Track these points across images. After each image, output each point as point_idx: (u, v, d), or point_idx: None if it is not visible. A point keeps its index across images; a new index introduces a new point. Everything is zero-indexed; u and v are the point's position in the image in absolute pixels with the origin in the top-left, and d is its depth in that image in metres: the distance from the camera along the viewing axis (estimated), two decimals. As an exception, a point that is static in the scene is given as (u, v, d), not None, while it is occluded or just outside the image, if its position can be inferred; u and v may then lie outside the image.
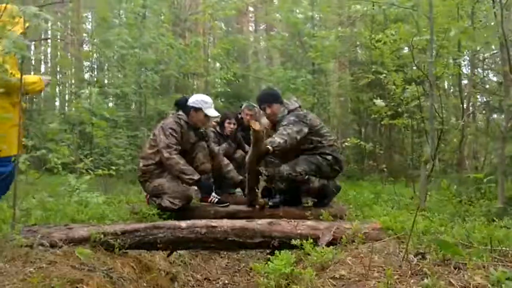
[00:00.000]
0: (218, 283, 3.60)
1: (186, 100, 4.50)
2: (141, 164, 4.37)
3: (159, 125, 4.45)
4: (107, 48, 7.46)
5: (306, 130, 4.07)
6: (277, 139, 3.86)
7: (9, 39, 2.79)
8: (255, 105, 5.44)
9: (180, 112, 4.44)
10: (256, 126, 3.49)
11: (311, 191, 4.19)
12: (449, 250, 2.05)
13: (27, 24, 3.33)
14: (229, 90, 12.38)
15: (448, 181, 5.23)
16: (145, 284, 2.82)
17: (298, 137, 3.98)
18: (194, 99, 4.44)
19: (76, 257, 2.49)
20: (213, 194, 4.44)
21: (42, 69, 15.56)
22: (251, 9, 17.36)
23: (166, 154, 4.14)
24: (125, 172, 9.28)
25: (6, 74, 3.04)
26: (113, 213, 3.91)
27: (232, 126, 5.49)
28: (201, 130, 4.59)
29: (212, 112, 4.47)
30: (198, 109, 4.39)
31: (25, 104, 3.91)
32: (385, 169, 7.94)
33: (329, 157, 4.17)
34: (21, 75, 3.09)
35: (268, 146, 3.75)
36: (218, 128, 5.54)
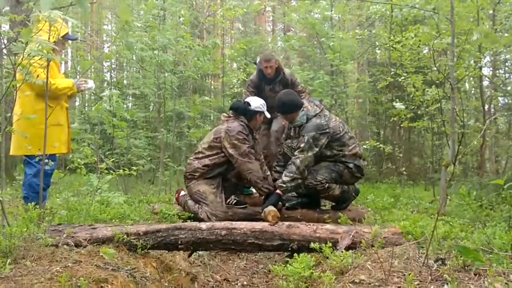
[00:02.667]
0: (237, 284, 3.63)
1: (245, 104, 4.46)
2: (195, 162, 4.36)
3: (221, 128, 4.39)
4: (128, 50, 7.56)
5: (323, 141, 4.03)
6: (286, 178, 3.95)
7: (35, 43, 2.88)
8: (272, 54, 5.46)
9: (242, 117, 4.41)
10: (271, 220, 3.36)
11: (331, 197, 4.21)
12: (469, 256, 2.05)
13: (66, 31, 3.48)
14: (245, 90, 12.40)
15: (468, 186, 5.20)
16: (166, 284, 2.86)
17: (311, 160, 4.00)
18: (257, 104, 4.46)
19: (100, 256, 2.55)
20: (232, 195, 4.47)
21: (62, 69, 15.84)
22: (269, 9, 17.36)
23: (245, 160, 4.17)
24: (144, 172, 9.40)
25: (31, 77, 3.13)
26: (134, 213, 3.99)
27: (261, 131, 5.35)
28: (255, 134, 4.65)
29: (268, 114, 4.59)
30: (262, 113, 4.47)
31: (66, 105, 4.02)
32: (404, 172, 7.89)
33: (351, 165, 4.14)
34: (47, 78, 3.18)
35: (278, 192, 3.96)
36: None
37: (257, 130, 4.68)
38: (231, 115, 4.44)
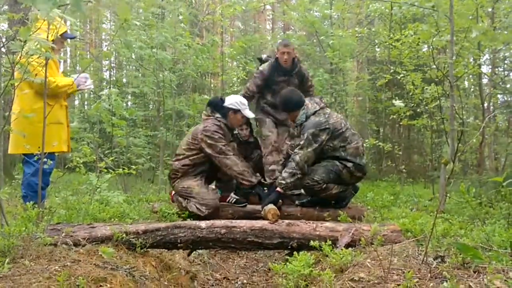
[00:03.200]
0: (237, 282, 3.63)
1: (221, 101, 4.49)
2: (175, 163, 4.43)
3: (198, 128, 4.44)
4: (127, 49, 7.54)
5: (323, 138, 4.00)
6: (285, 174, 3.94)
7: (33, 42, 2.87)
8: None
9: (218, 115, 4.44)
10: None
11: (329, 196, 4.16)
12: (468, 253, 2.04)
13: (64, 29, 3.46)
14: (243, 89, 12.40)
15: (467, 183, 5.20)
16: (166, 283, 2.86)
17: (310, 156, 3.98)
18: (232, 101, 4.45)
19: (99, 255, 2.54)
20: (232, 194, 4.47)
21: (61, 68, 15.83)
22: (268, 7, 17.34)
23: (222, 157, 4.20)
24: (144, 171, 9.40)
25: (29, 75, 3.12)
26: (133, 212, 3.98)
27: (245, 132, 5.31)
28: (236, 132, 4.64)
29: (249, 113, 4.52)
30: (236, 111, 4.43)
31: (65, 103, 4.03)
32: (403, 170, 7.88)
33: (350, 164, 4.06)
34: (46, 77, 3.17)
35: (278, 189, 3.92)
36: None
37: (238, 127, 4.66)
38: (210, 114, 4.50)
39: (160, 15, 8.49)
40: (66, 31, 3.86)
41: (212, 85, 15.75)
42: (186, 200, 4.22)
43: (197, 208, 4.08)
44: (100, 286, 2.19)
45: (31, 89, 3.61)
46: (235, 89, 12.99)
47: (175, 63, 8.58)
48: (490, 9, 6.85)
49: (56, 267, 2.23)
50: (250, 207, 4.36)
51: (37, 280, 2.04)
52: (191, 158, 4.35)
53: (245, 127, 5.06)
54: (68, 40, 4.38)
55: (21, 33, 2.80)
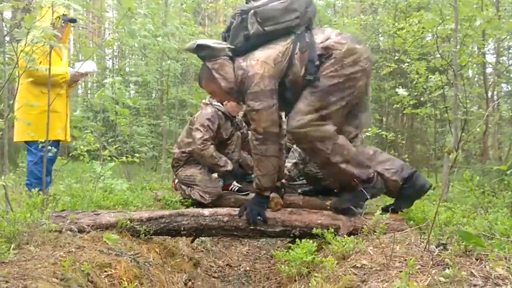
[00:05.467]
0: (239, 269, 3.66)
1: None
2: (177, 151, 4.47)
3: (196, 115, 4.47)
4: (131, 38, 7.53)
5: None
6: (288, 165, 3.99)
7: (38, 30, 2.87)
8: None
9: (216, 102, 4.42)
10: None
11: (331, 184, 4.15)
12: (471, 241, 2.05)
13: (56, 15, 3.42)
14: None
15: (471, 172, 5.19)
16: (169, 269, 2.89)
17: None
18: None
19: (104, 242, 2.57)
20: (234, 182, 4.49)
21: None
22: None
23: (199, 146, 4.20)
24: (147, 160, 9.43)
25: (34, 64, 3.11)
26: (137, 199, 4.00)
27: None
28: (236, 120, 4.62)
29: None
30: None
31: (64, 91, 4.01)
32: (407, 159, 7.88)
33: None
34: (50, 66, 3.17)
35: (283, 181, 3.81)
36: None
37: (236, 113, 4.60)
38: (208, 101, 4.50)
39: (163, 4, 8.44)
40: (65, 14, 3.81)
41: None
42: (190, 188, 4.24)
43: (200, 196, 4.10)
44: (105, 271, 2.21)
45: (27, 78, 3.58)
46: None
47: (178, 52, 8.56)
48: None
49: (61, 253, 2.25)
50: (252, 195, 4.37)
51: (42, 265, 2.06)
52: (189, 145, 4.37)
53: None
54: (72, 25, 4.31)
55: (26, 21, 2.80)
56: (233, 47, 3.08)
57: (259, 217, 2.97)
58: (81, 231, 2.70)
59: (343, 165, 3.00)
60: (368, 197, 2.97)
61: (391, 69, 8.24)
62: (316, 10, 3.23)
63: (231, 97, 3.22)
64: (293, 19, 2.99)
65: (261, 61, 2.93)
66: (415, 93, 7.21)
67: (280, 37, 3.01)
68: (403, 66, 6.89)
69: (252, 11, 2.98)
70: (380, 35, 11.24)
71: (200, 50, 3.10)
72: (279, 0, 2.98)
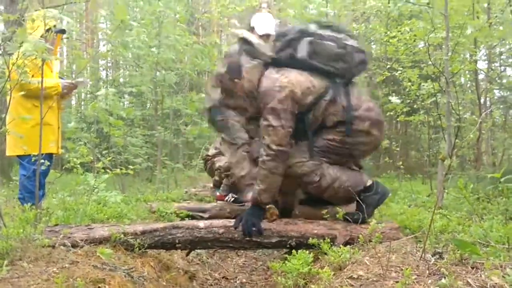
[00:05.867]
0: (235, 281, 3.64)
1: None
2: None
3: None
4: (124, 49, 7.54)
5: None
6: None
7: (30, 43, 2.86)
8: None
9: None
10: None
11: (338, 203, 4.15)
12: (466, 249, 2.05)
13: (47, 27, 3.41)
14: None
15: (465, 179, 5.21)
16: (164, 283, 2.86)
17: None
18: None
19: (97, 256, 2.54)
20: (230, 193, 4.47)
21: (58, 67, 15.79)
22: (264, 5, 17.32)
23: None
24: (141, 171, 9.38)
25: (26, 77, 3.11)
26: (131, 212, 3.97)
27: None
28: None
29: None
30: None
31: (56, 104, 4.00)
32: (401, 166, 7.90)
33: None
34: (42, 79, 3.16)
35: None
36: None
37: None
38: None
39: (157, 14, 8.47)
40: (54, 26, 3.79)
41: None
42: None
43: None
44: (99, 287, 2.19)
45: (21, 91, 3.57)
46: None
47: (173, 62, 8.58)
48: (486, 5, 6.86)
49: (55, 269, 2.22)
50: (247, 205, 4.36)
51: (35, 282, 2.04)
52: None
53: None
54: (63, 36, 4.31)
55: (19, 34, 2.79)
56: (275, 56, 3.07)
57: (254, 228, 2.95)
58: (74, 246, 2.68)
59: (336, 184, 3.01)
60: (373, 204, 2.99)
61: (384, 77, 8.28)
62: (364, 69, 3.26)
63: (243, 102, 3.16)
64: (339, 68, 3.00)
65: (293, 83, 2.92)
66: (408, 101, 7.24)
67: (321, 75, 3.01)
68: (396, 74, 6.92)
69: (308, 39, 2.99)
70: (372, 43, 11.31)
71: (244, 43, 3.10)
72: (339, 41, 3.00)
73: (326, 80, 3.01)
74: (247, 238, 2.95)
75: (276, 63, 3.07)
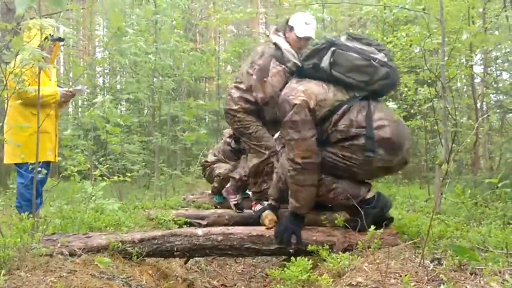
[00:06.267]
0: (234, 289, 3.63)
1: None
2: None
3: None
4: (121, 56, 7.54)
5: None
6: None
7: (27, 52, 2.86)
8: None
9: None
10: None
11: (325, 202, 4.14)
12: (465, 255, 2.05)
13: (44, 36, 3.41)
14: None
15: (463, 184, 5.23)
16: (163, 292, 2.85)
17: None
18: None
19: (95, 265, 2.53)
20: (238, 195, 4.45)
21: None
22: (261, 11, 17.38)
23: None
24: (139, 177, 9.36)
25: (23, 85, 3.10)
26: (129, 219, 3.96)
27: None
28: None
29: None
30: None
31: (54, 112, 4.01)
32: (399, 171, 7.90)
33: None
34: (39, 87, 3.16)
35: None
36: (233, 144, 5.41)
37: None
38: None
39: (155, 21, 8.49)
40: (52, 34, 3.80)
41: (207, 90, 15.75)
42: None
43: None
44: (97, 296, 2.18)
45: (18, 100, 3.57)
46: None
47: (170, 68, 8.59)
48: (481, 10, 6.90)
49: (52, 278, 2.21)
50: (247, 212, 4.36)
51: (33, 292, 2.03)
52: None
53: None
54: (61, 44, 4.32)
55: (14, 44, 2.79)
56: (300, 65, 3.10)
57: (293, 236, 2.94)
58: (72, 254, 2.67)
59: (331, 195, 2.99)
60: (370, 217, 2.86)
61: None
62: (392, 89, 3.23)
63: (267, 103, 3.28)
64: (359, 80, 2.93)
65: (309, 93, 2.91)
66: (405, 106, 7.27)
67: (342, 87, 2.97)
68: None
69: (333, 48, 2.94)
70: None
71: (275, 48, 3.22)
72: (364, 53, 2.94)
73: (346, 93, 2.96)
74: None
75: (300, 72, 3.08)
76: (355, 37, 3.05)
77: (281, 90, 3.08)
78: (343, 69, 2.92)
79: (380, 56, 2.94)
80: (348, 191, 2.96)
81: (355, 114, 2.90)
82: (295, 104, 2.88)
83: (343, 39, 3.05)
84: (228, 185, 4.61)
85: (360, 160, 2.87)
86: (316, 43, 3.18)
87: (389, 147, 2.88)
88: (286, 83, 3.10)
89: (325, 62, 2.95)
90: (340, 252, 2.63)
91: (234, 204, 4.37)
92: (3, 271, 2.21)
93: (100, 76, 15.32)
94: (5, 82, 3.02)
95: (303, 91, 2.92)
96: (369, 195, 3.01)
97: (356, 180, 3.03)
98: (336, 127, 2.91)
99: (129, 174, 4.55)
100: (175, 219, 4.17)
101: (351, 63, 2.90)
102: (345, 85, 2.97)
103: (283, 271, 2.51)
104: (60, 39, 3.99)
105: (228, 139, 5.24)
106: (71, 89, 4.13)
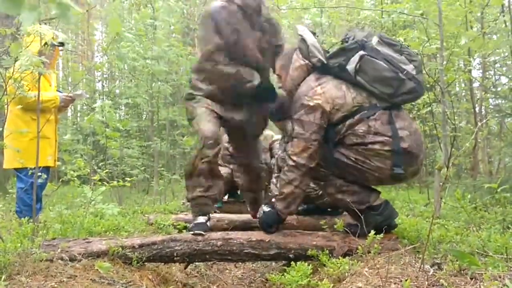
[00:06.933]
0: (234, 294, 3.62)
1: None
2: None
3: None
4: (120, 61, 7.56)
5: None
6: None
7: (25, 57, 2.86)
8: None
9: None
10: None
11: (325, 204, 4.16)
12: (465, 260, 2.05)
13: (44, 41, 3.42)
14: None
15: (462, 188, 5.23)
16: (163, 297, 2.85)
17: None
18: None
19: (96, 270, 2.53)
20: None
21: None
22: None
23: None
24: (138, 182, 9.36)
25: (23, 90, 3.11)
26: (128, 224, 3.96)
27: None
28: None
29: None
30: None
31: (54, 117, 4.02)
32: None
33: None
34: (39, 92, 3.16)
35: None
36: (231, 149, 5.40)
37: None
38: None
39: (152, 26, 8.52)
40: (53, 39, 3.81)
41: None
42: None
43: None
44: (97, 302, 2.18)
45: (19, 105, 3.58)
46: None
47: (168, 73, 8.60)
48: (479, 14, 6.94)
49: (53, 283, 2.21)
50: (246, 216, 4.35)
51: (33, 297, 2.02)
52: None
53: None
54: (61, 49, 4.33)
55: (12, 50, 2.80)
56: (325, 62, 3.01)
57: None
58: (72, 259, 2.66)
59: (339, 196, 2.99)
60: (373, 223, 2.86)
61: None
62: (412, 98, 3.07)
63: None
64: (382, 92, 2.87)
65: (326, 96, 2.87)
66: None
67: (363, 91, 2.92)
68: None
69: (361, 52, 2.86)
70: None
71: (301, 41, 3.08)
72: (393, 63, 2.83)
73: (366, 98, 2.90)
74: (246, 251, 2.96)
75: (324, 69, 3.01)
76: (387, 42, 2.92)
77: (299, 84, 3.03)
78: (369, 77, 2.85)
79: (409, 68, 2.83)
80: (356, 195, 2.96)
81: (374, 122, 2.85)
82: (309, 105, 2.86)
83: (374, 41, 2.92)
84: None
85: (373, 166, 2.85)
86: (345, 40, 3.06)
87: (407, 158, 2.84)
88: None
89: (351, 65, 2.87)
90: (340, 257, 2.63)
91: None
92: (3, 276, 2.20)
93: (99, 81, 15.34)
94: (4, 87, 3.03)
95: (321, 94, 2.88)
96: (377, 202, 2.99)
97: (365, 185, 3.03)
98: (354, 131, 2.87)
99: (128, 179, 4.56)
100: (175, 223, 4.17)
101: (378, 73, 2.82)
102: (367, 92, 2.92)
103: (283, 276, 2.51)
104: (60, 44, 4.01)
105: (226, 144, 5.24)
106: (71, 94, 4.14)
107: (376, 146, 2.81)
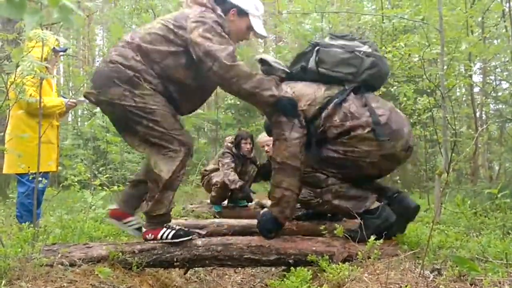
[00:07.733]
0: (234, 299, 3.61)
1: None
2: None
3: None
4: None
5: None
6: None
7: (27, 62, 2.88)
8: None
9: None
10: None
11: (326, 211, 4.14)
12: (465, 266, 2.05)
13: (47, 48, 3.45)
14: (238, 102, 12.45)
15: (462, 193, 5.23)
16: (163, 302, 2.84)
17: None
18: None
19: (96, 275, 2.53)
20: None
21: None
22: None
23: None
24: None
25: (24, 95, 3.13)
26: (129, 229, 3.95)
27: (248, 146, 5.44)
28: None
29: (260, 29, 3.20)
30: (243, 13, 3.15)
31: (57, 123, 4.05)
32: (398, 181, 7.91)
33: None
34: (40, 97, 3.18)
35: None
36: (234, 149, 5.47)
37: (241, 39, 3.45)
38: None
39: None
40: (57, 45, 3.85)
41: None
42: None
43: None
44: (97, 307, 2.18)
45: (21, 109, 3.61)
46: (229, 102, 13.00)
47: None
48: (480, 19, 6.95)
49: (53, 289, 2.21)
50: (245, 221, 4.35)
51: (33, 302, 2.03)
52: None
53: (248, 141, 5.27)
54: (61, 54, 4.37)
55: (14, 55, 2.81)
56: (288, 71, 3.20)
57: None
58: (72, 264, 2.66)
59: (335, 202, 3.01)
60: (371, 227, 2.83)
61: (380, 92, 8.33)
62: (383, 78, 3.20)
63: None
64: (346, 73, 3.01)
65: (297, 95, 3.01)
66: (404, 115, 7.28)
67: (330, 84, 3.05)
68: (392, 90, 6.97)
69: (317, 47, 3.05)
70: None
71: (262, 63, 3.24)
72: (348, 47, 3.02)
73: (336, 89, 3.03)
74: (246, 257, 2.96)
75: (290, 77, 3.19)
76: (338, 36, 3.15)
77: None
78: (329, 64, 3.02)
79: (365, 48, 3.02)
80: (353, 199, 2.98)
81: (348, 107, 2.95)
82: None
83: (326, 39, 3.16)
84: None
85: (361, 152, 2.90)
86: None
87: (388, 129, 2.90)
88: None
89: (311, 62, 3.06)
90: (339, 263, 2.63)
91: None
92: (3, 281, 2.21)
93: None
94: (6, 92, 3.04)
95: (292, 94, 3.02)
96: (374, 206, 3.00)
97: (362, 188, 3.04)
98: (331, 123, 2.95)
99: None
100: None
101: (336, 57, 3.00)
102: (335, 82, 3.05)
103: (282, 282, 2.51)
104: (63, 50, 4.05)
105: (229, 144, 5.34)
106: (74, 100, 4.17)
107: (359, 131, 2.88)
